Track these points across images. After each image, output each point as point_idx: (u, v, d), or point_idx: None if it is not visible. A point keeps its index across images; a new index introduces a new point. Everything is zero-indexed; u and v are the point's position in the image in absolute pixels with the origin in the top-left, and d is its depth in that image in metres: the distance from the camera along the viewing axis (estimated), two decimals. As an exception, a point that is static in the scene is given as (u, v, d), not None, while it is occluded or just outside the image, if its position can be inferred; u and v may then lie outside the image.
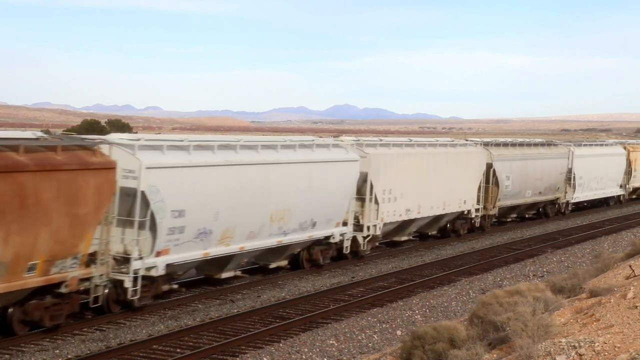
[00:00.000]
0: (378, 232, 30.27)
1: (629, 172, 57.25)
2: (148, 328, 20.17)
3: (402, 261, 30.95)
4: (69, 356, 17.78)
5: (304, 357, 18.54)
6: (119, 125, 65.66)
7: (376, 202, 30.00)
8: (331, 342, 19.68)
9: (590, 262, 27.78)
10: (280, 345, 19.24)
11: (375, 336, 20.48)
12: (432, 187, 33.41)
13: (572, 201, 48.23)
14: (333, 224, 27.87)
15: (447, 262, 31.31)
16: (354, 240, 29.54)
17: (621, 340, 10.44)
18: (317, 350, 19.01)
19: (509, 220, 42.83)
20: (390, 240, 33.57)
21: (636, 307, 12.12)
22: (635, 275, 15.30)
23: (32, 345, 18.33)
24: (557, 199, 46.76)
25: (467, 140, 39.68)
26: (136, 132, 68.32)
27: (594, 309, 12.69)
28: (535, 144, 45.41)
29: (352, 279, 27.13)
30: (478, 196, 37.46)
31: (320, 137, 31.79)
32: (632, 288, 13.33)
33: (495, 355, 11.64)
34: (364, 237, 29.88)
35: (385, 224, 30.73)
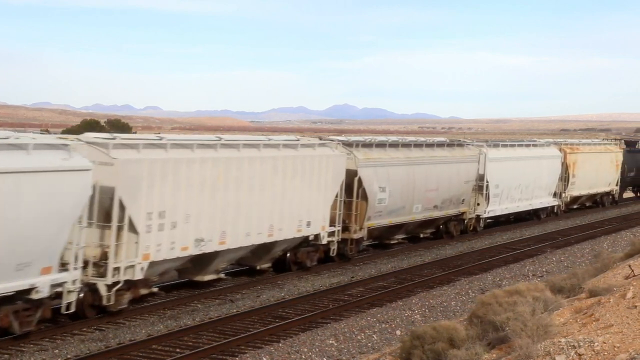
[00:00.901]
0: (139, 276, 20.65)
1: (565, 178, 47.27)
2: (147, 328, 20.16)
3: (401, 261, 30.94)
4: (68, 356, 17.78)
5: (303, 357, 18.54)
6: (119, 125, 65.64)
7: (134, 231, 20.48)
8: (330, 342, 19.68)
9: (590, 262, 27.78)
10: (280, 345, 19.24)
11: (374, 336, 20.48)
12: (248, 205, 24.18)
13: (485, 216, 38.72)
14: (35, 270, 17.78)
15: (447, 262, 31.31)
16: (95, 292, 20.12)
17: (620, 340, 10.45)
18: (317, 350, 19.01)
19: (393, 242, 33.45)
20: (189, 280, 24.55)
21: (635, 306, 12.13)
22: (634, 275, 15.30)
23: (32, 345, 18.32)
24: (463, 213, 37.18)
25: (322, 139, 29.84)
26: (135, 132, 68.26)
27: (593, 309, 12.69)
28: (429, 145, 35.37)
29: (352, 279, 27.13)
30: (333, 215, 28.24)
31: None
32: (631, 288, 13.34)
33: (494, 355, 11.65)
34: (110, 286, 20.02)
35: (154, 264, 21.23)
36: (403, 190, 32.07)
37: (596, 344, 10.31)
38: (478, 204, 38.04)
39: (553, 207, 46.53)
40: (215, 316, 21.56)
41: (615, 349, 10.12)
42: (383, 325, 21.48)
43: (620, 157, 55.44)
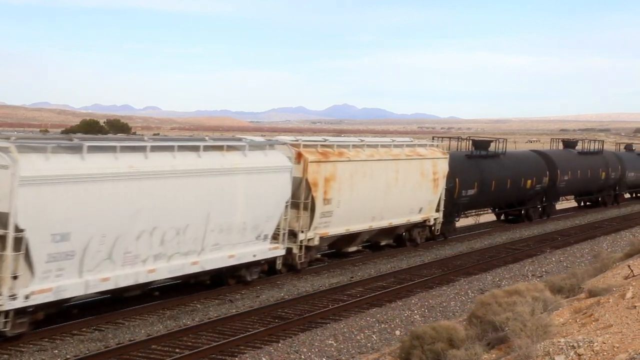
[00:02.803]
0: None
1: (309, 206, 26.64)
2: (147, 328, 20.16)
3: (400, 261, 30.95)
4: (68, 356, 17.77)
5: (302, 357, 18.54)
6: (118, 125, 65.62)
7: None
8: (330, 342, 19.68)
9: (589, 262, 27.80)
10: (279, 345, 19.24)
11: (374, 336, 20.48)
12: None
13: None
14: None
15: (446, 262, 31.32)
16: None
17: (620, 340, 10.45)
18: (316, 350, 19.01)
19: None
20: None
21: (635, 307, 12.13)
22: (634, 275, 15.31)
23: (31, 345, 18.32)
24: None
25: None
26: (134, 132, 68.34)
27: (592, 309, 12.70)
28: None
29: (351, 279, 27.13)
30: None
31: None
32: (630, 288, 13.35)
33: (494, 355, 11.65)
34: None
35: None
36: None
37: (595, 344, 10.31)
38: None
39: (265, 261, 25.31)
40: (214, 316, 21.56)
41: (615, 349, 10.12)
42: (382, 326, 21.48)
43: (444, 166, 34.05)
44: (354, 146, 29.51)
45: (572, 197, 54.43)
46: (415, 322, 21.64)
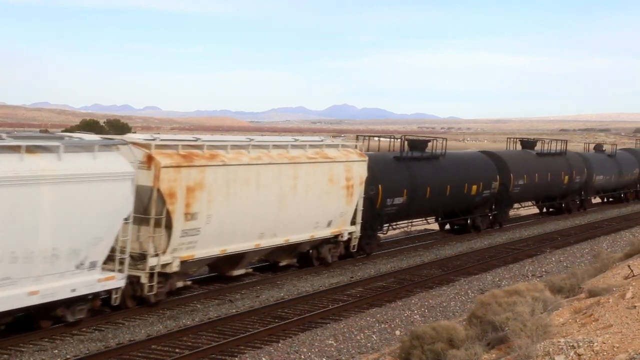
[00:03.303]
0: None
1: (163, 223, 21.22)
2: (147, 328, 20.17)
3: (400, 261, 30.95)
4: (68, 356, 17.78)
5: (302, 357, 18.54)
6: (118, 125, 65.63)
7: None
8: (330, 342, 19.68)
9: (589, 262, 27.80)
10: (279, 345, 19.24)
11: (374, 336, 20.48)
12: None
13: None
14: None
15: (446, 262, 31.31)
16: None
17: (620, 340, 10.45)
18: (316, 350, 19.01)
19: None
20: None
21: (635, 307, 12.13)
22: (634, 275, 15.31)
23: (31, 345, 18.32)
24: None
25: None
26: (135, 132, 68.27)
27: (592, 309, 12.70)
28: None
29: (351, 279, 27.12)
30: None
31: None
32: (630, 288, 13.35)
33: (494, 355, 11.65)
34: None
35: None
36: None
37: (595, 344, 10.31)
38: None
39: (93, 295, 19.53)
40: (214, 316, 21.56)
41: (615, 349, 10.13)
42: (382, 326, 21.48)
43: (362, 170, 28.64)
44: (235, 147, 23.96)
45: (531, 203, 48.54)
46: (415, 322, 21.64)
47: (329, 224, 27.47)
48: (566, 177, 46.87)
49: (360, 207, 28.94)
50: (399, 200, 31.73)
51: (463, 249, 34.43)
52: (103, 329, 19.90)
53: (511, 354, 10.94)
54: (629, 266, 16.26)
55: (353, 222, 28.74)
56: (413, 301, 24.29)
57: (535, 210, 49.65)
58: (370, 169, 29.45)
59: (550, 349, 10.38)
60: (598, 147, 58.31)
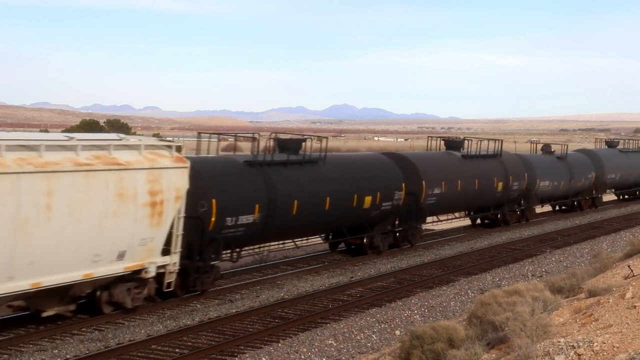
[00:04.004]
0: None
1: None
2: (147, 328, 20.17)
3: (400, 261, 30.94)
4: (68, 356, 17.79)
5: (302, 357, 18.54)
6: (118, 125, 65.65)
7: None
8: (330, 342, 19.68)
9: (589, 262, 27.79)
10: (279, 345, 19.24)
11: (374, 336, 20.48)
12: None
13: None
14: None
15: (446, 262, 31.31)
16: None
17: (620, 340, 10.45)
18: (316, 350, 19.01)
19: None
20: None
21: (635, 307, 12.13)
22: (633, 275, 15.32)
23: (31, 345, 18.33)
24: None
25: None
26: (135, 133, 68.32)
27: (592, 309, 12.70)
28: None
29: (351, 279, 27.13)
30: None
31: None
32: (630, 288, 13.35)
33: (493, 355, 11.66)
34: None
35: None
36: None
37: (595, 344, 10.31)
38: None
39: None
40: (214, 316, 21.57)
41: (615, 349, 10.13)
42: (382, 326, 21.48)
43: (180, 181, 21.39)
44: None
45: (461, 214, 40.33)
46: (415, 322, 21.64)
47: (120, 257, 19.85)
48: (500, 184, 39.60)
49: (180, 231, 21.45)
50: (247, 219, 24.15)
51: (463, 249, 34.42)
52: (103, 328, 19.91)
53: (511, 354, 10.95)
54: (629, 266, 16.26)
55: (167, 252, 21.23)
56: (413, 301, 24.29)
57: (457, 224, 41.77)
58: (198, 178, 22.34)
59: (550, 349, 10.39)
60: (546, 148, 50.53)
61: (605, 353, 10.05)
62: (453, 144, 39.14)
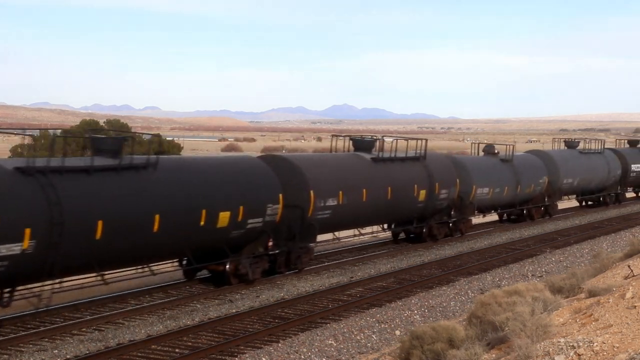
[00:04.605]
0: None
1: None
2: (147, 328, 20.17)
3: (400, 261, 30.94)
4: (68, 356, 17.79)
5: (302, 357, 18.54)
6: (118, 125, 65.54)
7: None
8: (330, 342, 19.68)
9: (589, 262, 27.79)
10: (279, 345, 19.24)
11: (373, 336, 20.48)
12: None
13: None
14: None
15: (446, 262, 31.31)
16: None
17: (620, 340, 10.45)
18: (316, 350, 19.01)
19: None
20: None
21: (635, 307, 12.13)
22: (633, 275, 15.32)
23: (31, 345, 18.33)
24: None
25: None
26: (135, 132, 68.05)
27: (592, 309, 12.70)
28: None
29: (351, 279, 27.12)
30: None
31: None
32: (630, 288, 13.35)
33: (493, 355, 11.66)
34: None
35: None
36: None
37: (595, 344, 10.31)
38: None
39: None
40: (214, 316, 21.57)
41: (615, 349, 10.13)
42: (382, 326, 21.48)
43: None
44: None
45: (381, 227, 33.79)
46: (415, 322, 21.64)
47: None
48: (422, 192, 33.15)
49: None
50: (11, 249, 17.42)
51: (463, 249, 34.41)
52: (103, 328, 19.91)
53: (511, 354, 10.95)
54: (628, 266, 16.25)
55: None
56: (413, 301, 24.29)
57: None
58: None
59: (550, 349, 10.38)
60: (488, 149, 43.29)
61: (605, 353, 10.04)
62: (362, 145, 32.35)
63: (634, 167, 56.77)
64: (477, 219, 41.54)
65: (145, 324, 20.57)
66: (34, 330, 19.19)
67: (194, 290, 24.25)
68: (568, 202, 52.90)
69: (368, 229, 33.07)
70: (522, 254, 33.64)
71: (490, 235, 38.91)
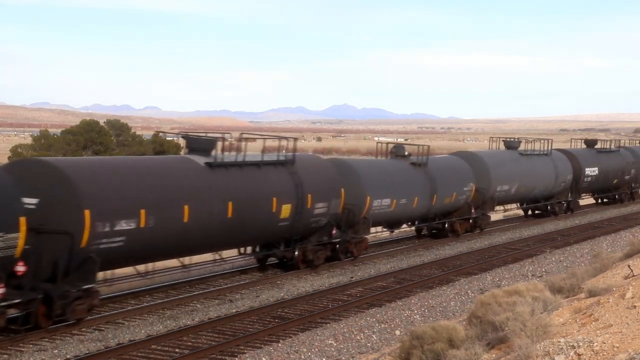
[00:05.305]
0: None
1: None
2: (147, 328, 20.17)
3: (400, 261, 30.94)
4: (68, 356, 17.79)
5: (302, 357, 18.54)
6: (118, 125, 65.53)
7: None
8: (330, 342, 19.68)
9: (589, 262, 27.78)
10: (279, 345, 19.24)
11: (374, 336, 20.48)
12: None
13: None
14: None
15: (446, 262, 31.30)
16: None
17: (620, 340, 10.45)
18: (316, 350, 19.01)
19: None
20: None
21: (635, 306, 12.14)
22: (633, 275, 15.32)
23: (31, 345, 18.33)
24: None
25: None
26: (134, 132, 67.99)
27: (592, 309, 12.70)
28: None
29: (351, 279, 27.12)
30: None
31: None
32: (630, 288, 13.35)
33: (493, 355, 11.66)
34: None
35: None
36: None
37: (595, 344, 10.31)
38: None
39: None
40: (214, 316, 21.57)
41: (615, 349, 10.13)
42: (382, 326, 21.48)
43: None
44: None
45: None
46: (415, 322, 21.64)
47: None
48: (286, 207, 25.72)
49: None
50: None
51: (463, 249, 34.41)
52: (103, 328, 19.92)
53: (511, 354, 10.95)
54: (628, 266, 16.26)
55: None
56: (413, 301, 24.30)
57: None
58: None
59: (550, 349, 10.39)
60: (397, 151, 35.08)
61: (605, 353, 10.04)
62: (198, 145, 24.35)
63: (589, 170, 48.99)
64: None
65: (145, 324, 20.57)
66: (34, 330, 19.18)
67: (194, 290, 24.27)
68: (512, 212, 47.33)
69: (230, 252, 26.45)
70: (522, 254, 33.63)
71: (490, 235, 38.90)
